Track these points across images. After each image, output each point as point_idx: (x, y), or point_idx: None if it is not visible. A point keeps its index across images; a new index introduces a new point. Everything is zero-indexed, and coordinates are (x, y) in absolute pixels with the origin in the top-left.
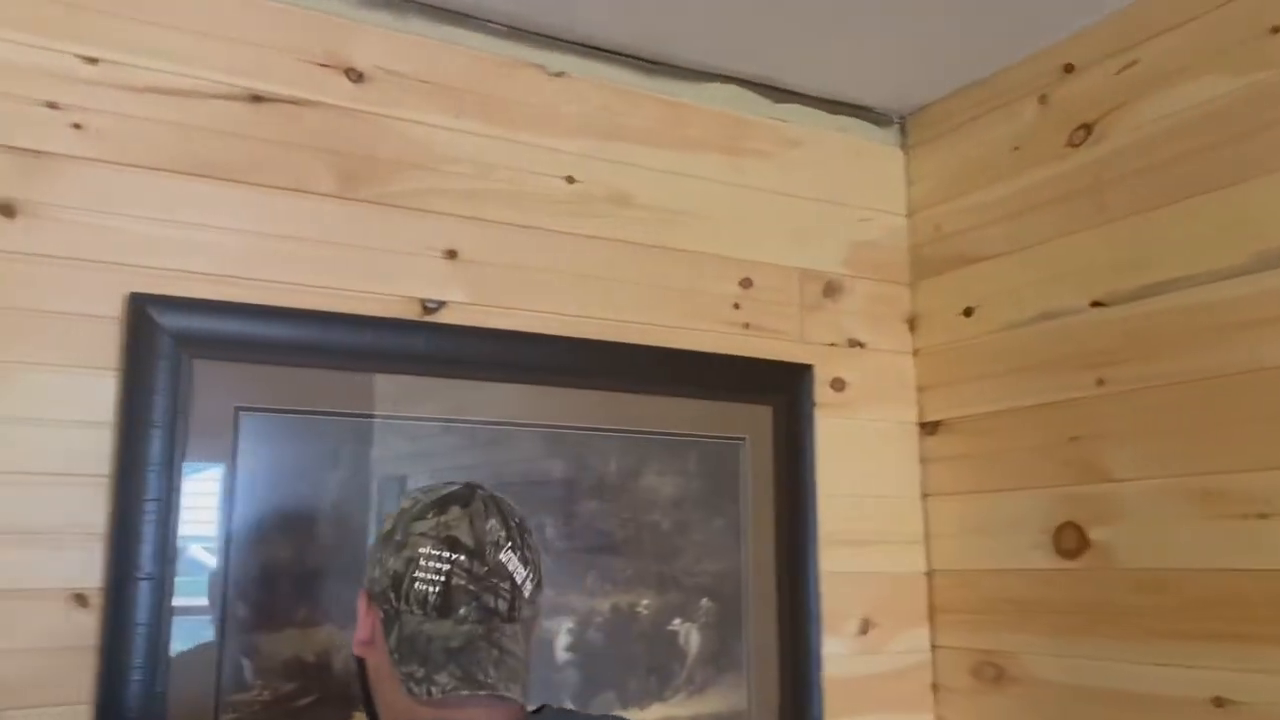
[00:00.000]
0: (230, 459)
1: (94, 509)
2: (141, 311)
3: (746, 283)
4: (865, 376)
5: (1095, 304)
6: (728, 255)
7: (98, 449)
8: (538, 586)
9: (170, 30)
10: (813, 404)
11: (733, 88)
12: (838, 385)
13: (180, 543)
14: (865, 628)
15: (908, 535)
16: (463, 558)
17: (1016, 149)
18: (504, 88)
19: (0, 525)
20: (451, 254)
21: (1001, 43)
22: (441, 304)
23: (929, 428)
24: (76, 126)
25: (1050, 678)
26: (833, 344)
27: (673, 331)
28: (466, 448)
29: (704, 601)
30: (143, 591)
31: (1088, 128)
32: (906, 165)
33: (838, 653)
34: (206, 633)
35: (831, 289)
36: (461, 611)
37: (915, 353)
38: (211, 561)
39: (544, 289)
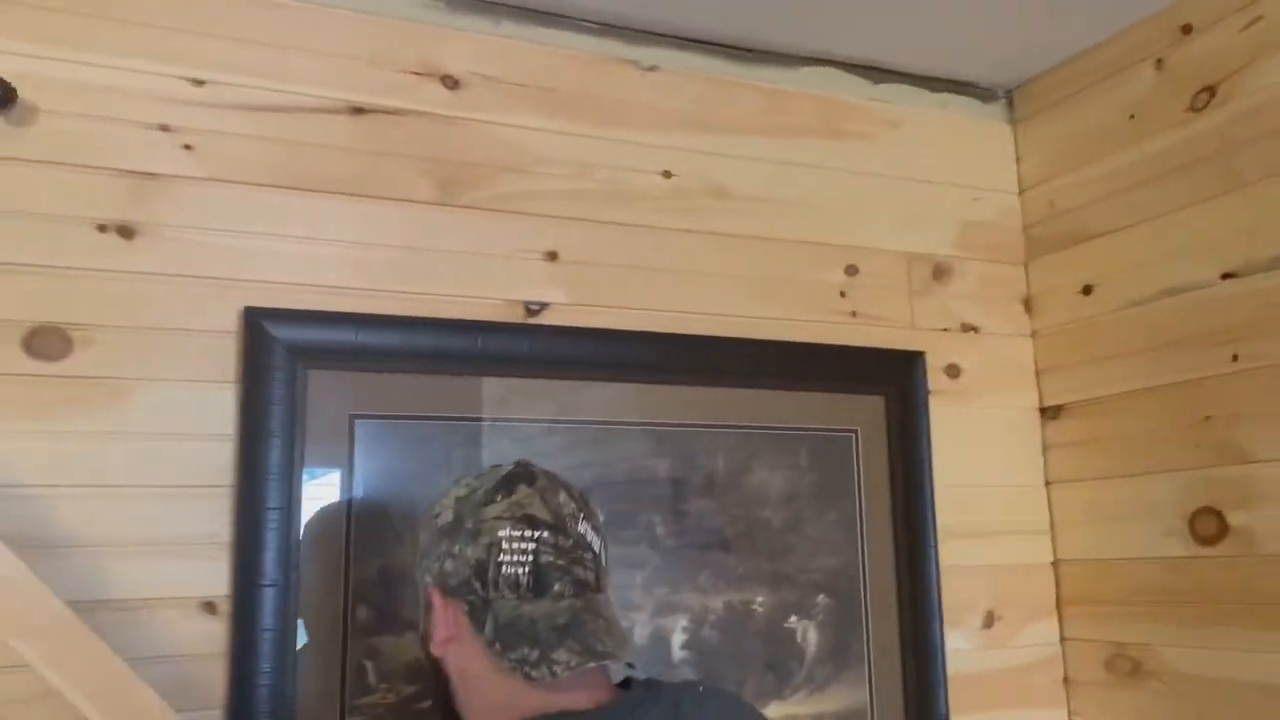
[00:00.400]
0: (347, 466)
1: (219, 519)
2: (257, 325)
3: (852, 270)
4: (980, 361)
5: (1227, 275)
6: (831, 243)
7: (220, 460)
8: (607, 558)
9: (271, 49)
10: (926, 392)
11: (829, 70)
12: (952, 372)
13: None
14: (990, 621)
15: (1031, 525)
16: (546, 534)
17: (1133, 117)
18: (597, 85)
19: (131, 537)
20: (552, 255)
21: (1111, 8)
22: (544, 305)
23: (1050, 412)
24: (187, 147)
25: (1190, 670)
26: (945, 329)
27: (778, 324)
28: (572, 447)
29: (820, 598)
30: (268, 598)
31: (1210, 90)
32: (1015, 141)
33: (962, 647)
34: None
35: (941, 272)
36: (556, 588)
37: (1033, 335)
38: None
39: (645, 286)
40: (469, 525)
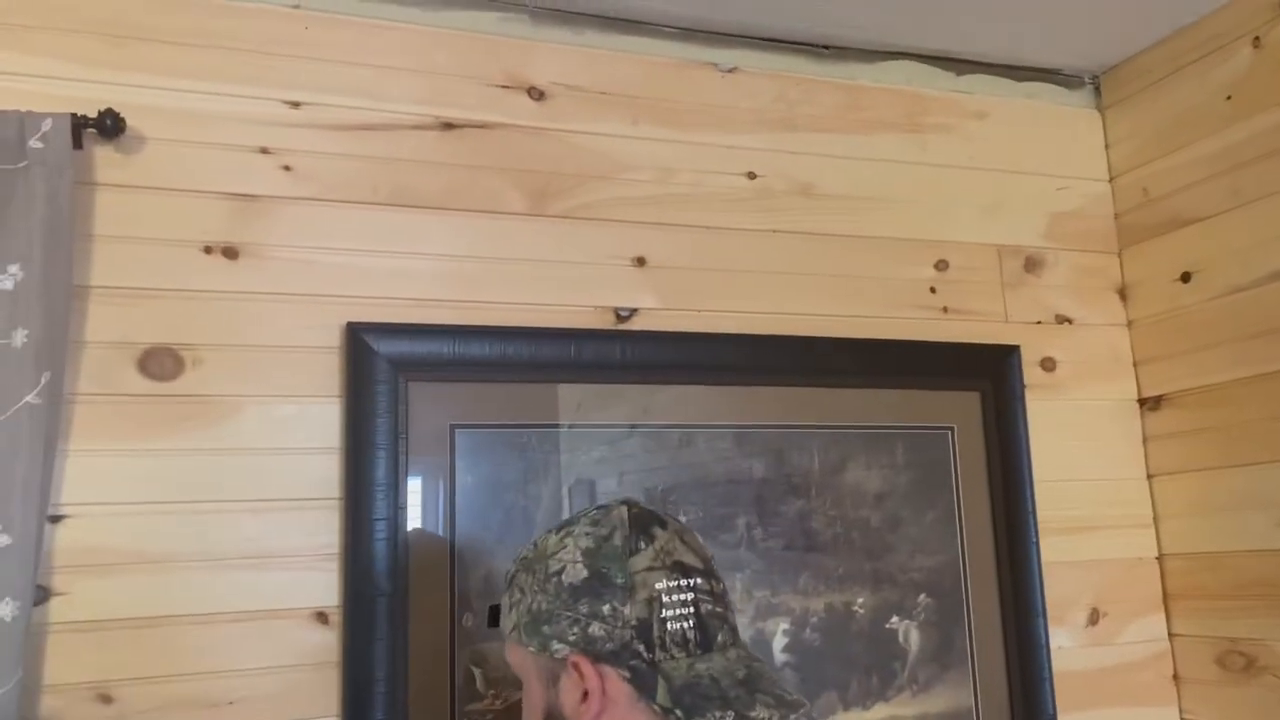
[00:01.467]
0: (449, 475)
1: (328, 530)
2: (359, 339)
3: (942, 265)
4: (1077, 353)
5: None
6: (920, 238)
7: (328, 473)
8: None
9: (362, 68)
10: (1022, 386)
11: (910, 64)
12: (1048, 365)
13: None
14: (1095, 618)
15: (1134, 519)
16: (699, 580)
17: (1230, 98)
18: (678, 90)
19: (244, 550)
20: (640, 261)
21: None
22: (633, 311)
23: (1150, 403)
24: (286, 169)
25: None
26: (1039, 321)
27: (869, 321)
28: (661, 450)
29: (921, 598)
30: (379, 607)
31: None
32: (1104, 127)
33: (1066, 645)
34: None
35: (1033, 264)
36: (720, 639)
37: (1129, 324)
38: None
39: (733, 289)
40: (619, 581)
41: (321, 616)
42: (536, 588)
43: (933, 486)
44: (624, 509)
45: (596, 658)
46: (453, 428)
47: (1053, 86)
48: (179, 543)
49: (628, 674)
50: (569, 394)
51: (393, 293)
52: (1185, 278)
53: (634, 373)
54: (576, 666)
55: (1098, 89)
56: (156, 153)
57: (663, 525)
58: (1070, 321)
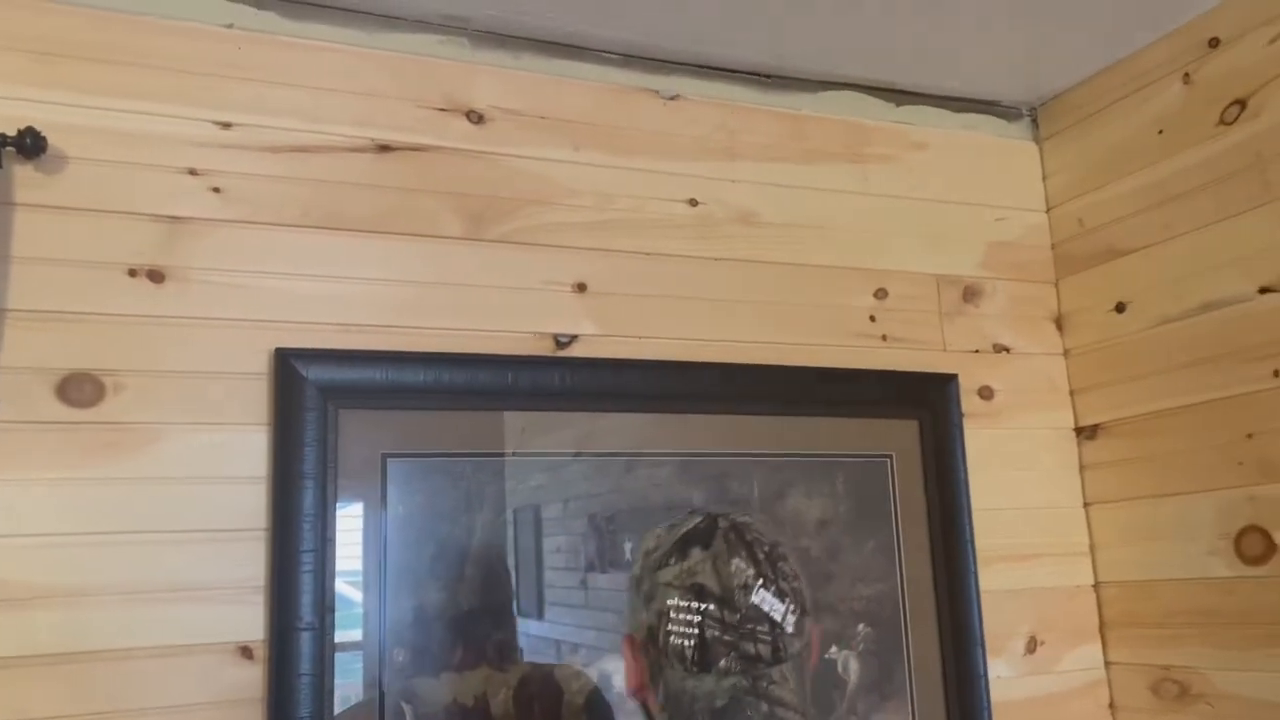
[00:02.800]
0: (380, 505)
1: (254, 562)
2: (288, 365)
3: (881, 293)
4: (1014, 382)
5: (1265, 290)
6: (859, 266)
7: (254, 503)
8: (802, 614)
9: (297, 89)
10: (960, 415)
11: (852, 94)
12: (985, 393)
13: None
14: (1032, 646)
15: (1071, 547)
16: (712, 607)
17: (1161, 132)
18: (620, 116)
19: (166, 583)
20: (580, 287)
21: (1136, 22)
22: (573, 338)
23: (1087, 432)
24: (216, 190)
25: (1238, 693)
26: (977, 350)
27: (808, 349)
28: (608, 478)
29: (861, 627)
30: (304, 641)
31: (1241, 103)
32: (1041, 159)
33: (1005, 674)
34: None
35: (971, 293)
36: (722, 664)
37: (1065, 354)
38: (359, 597)
39: (674, 315)
40: (645, 587)
41: (246, 651)
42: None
43: (872, 515)
44: (693, 520)
45: (635, 644)
46: (384, 456)
47: (991, 118)
48: (97, 576)
49: (648, 663)
50: (509, 421)
51: (324, 318)
52: (1120, 308)
53: (573, 400)
54: (627, 641)
55: (1035, 121)
56: (80, 173)
57: (706, 546)
58: (1008, 350)
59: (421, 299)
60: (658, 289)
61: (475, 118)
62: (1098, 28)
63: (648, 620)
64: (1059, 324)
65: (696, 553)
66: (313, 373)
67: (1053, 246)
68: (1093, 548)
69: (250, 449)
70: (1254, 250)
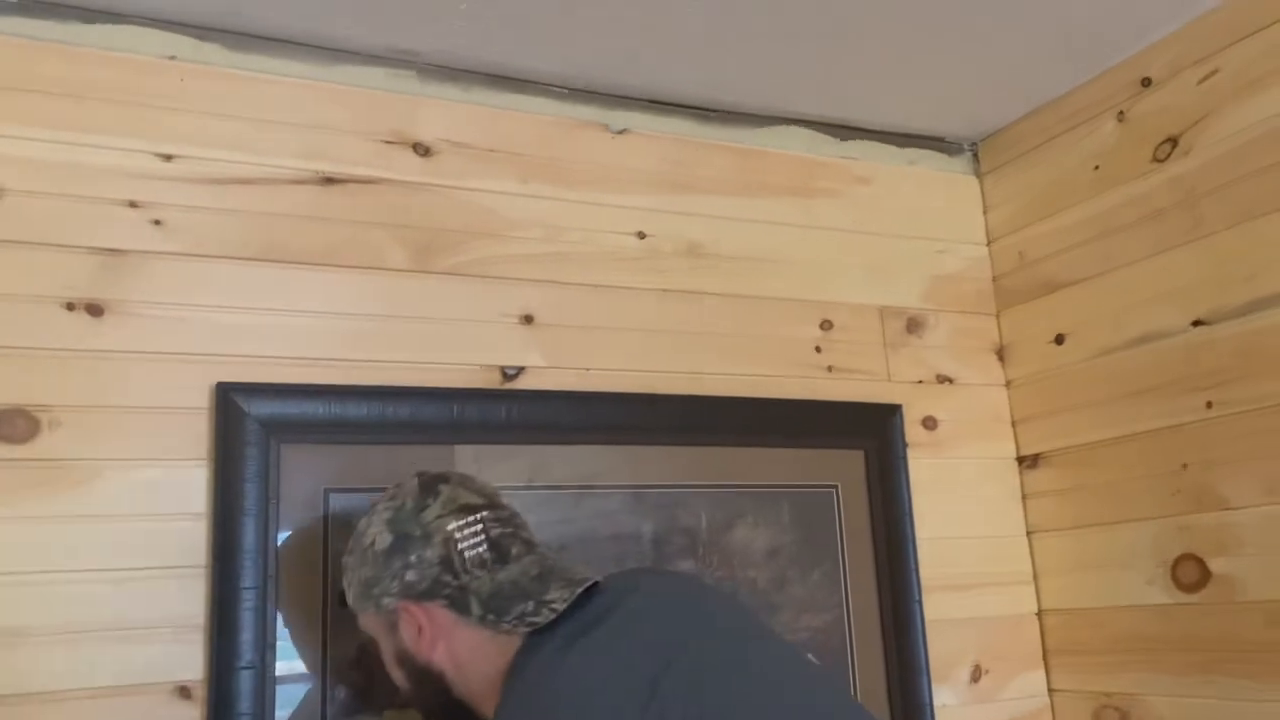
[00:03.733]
0: (322, 541)
1: (193, 600)
2: (229, 400)
3: (827, 325)
4: (957, 412)
5: (1197, 323)
6: (805, 298)
7: (194, 540)
8: None
9: (240, 121)
10: (905, 445)
11: (798, 129)
12: (929, 423)
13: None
14: (977, 675)
15: (1014, 575)
16: (486, 513)
17: (1097, 168)
18: (569, 150)
19: (103, 623)
20: (528, 319)
21: (1072, 61)
22: (520, 370)
23: (1028, 461)
24: (156, 223)
25: (1180, 719)
26: (920, 381)
27: (755, 380)
28: (556, 510)
29: (808, 657)
30: (244, 680)
31: (1173, 141)
32: (982, 193)
33: (950, 703)
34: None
35: (914, 325)
36: (514, 552)
37: (1007, 384)
38: None
39: (622, 347)
40: (417, 533)
41: (184, 691)
42: (359, 562)
43: (818, 545)
44: (414, 479)
45: (418, 598)
46: (327, 492)
47: (934, 153)
48: (32, 616)
49: (445, 602)
50: (460, 453)
51: (267, 351)
52: (1059, 339)
53: (521, 433)
54: (405, 610)
55: (976, 156)
56: (16, 205)
57: (446, 481)
58: (951, 381)
59: (367, 332)
60: (606, 321)
61: (423, 150)
62: (1034, 66)
63: (435, 555)
64: (1000, 355)
65: (444, 488)
66: (254, 407)
67: (994, 279)
68: (1035, 576)
69: (190, 485)
70: (1187, 284)
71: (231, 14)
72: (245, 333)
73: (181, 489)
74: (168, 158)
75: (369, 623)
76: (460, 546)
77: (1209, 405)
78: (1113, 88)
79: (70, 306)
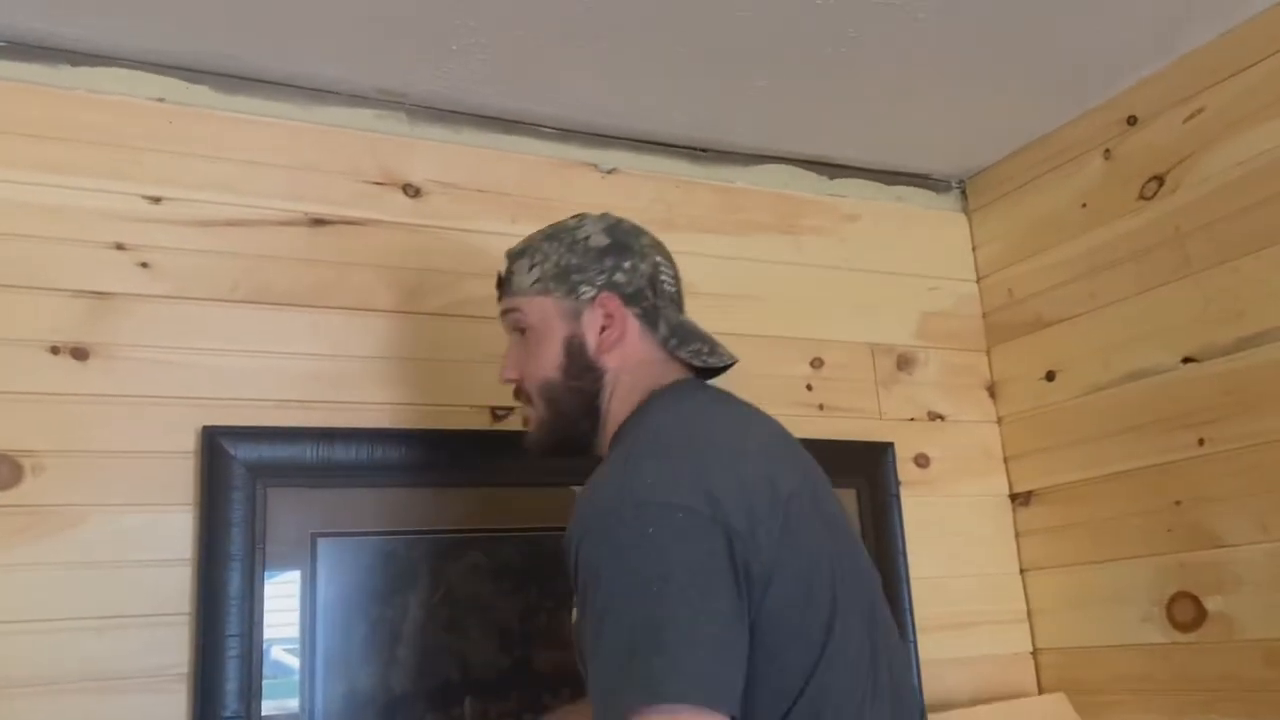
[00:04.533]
0: (309, 586)
1: (177, 648)
2: (215, 444)
3: (817, 362)
4: (949, 450)
5: (1187, 360)
6: (795, 336)
7: (178, 586)
8: None
9: (229, 163)
10: (897, 483)
11: (786, 168)
12: (921, 461)
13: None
14: None
15: (1008, 614)
16: (670, 263)
17: (1085, 206)
18: (557, 189)
19: (86, 673)
20: None
21: (1058, 99)
22: (510, 410)
23: (1021, 499)
24: (144, 265)
25: None
26: (912, 418)
27: None
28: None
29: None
30: None
31: (1159, 179)
32: (971, 230)
33: None
34: None
35: (905, 362)
36: (685, 305)
37: (999, 421)
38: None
39: None
40: (634, 246)
41: None
42: (563, 249)
43: None
44: (611, 217)
45: (624, 297)
46: (314, 536)
47: (921, 190)
48: (13, 666)
49: (639, 312)
50: (456, 497)
51: (253, 395)
52: (1050, 376)
53: (511, 474)
54: (605, 303)
55: (964, 193)
56: (1, 247)
57: (643, 228)
58: (942, 418)
59: (353, 374)
60: None
61: (412, 191)
62: (1021, 104)
63: (646, 270)
64: (992, 392)
65: (648, 231)
66: (241, 451)
67: (984, 315)
68: (1030, 614)
69: (175, 530)
70: (1176, 322)
71: (220, 56)
72: (232, 375)
73: (166, 534)
74: (156, 200)
75: (539, 306)
76: (661, 277)
77: (1200, 442)
78: (1099, 126)
79: (55, 350)
